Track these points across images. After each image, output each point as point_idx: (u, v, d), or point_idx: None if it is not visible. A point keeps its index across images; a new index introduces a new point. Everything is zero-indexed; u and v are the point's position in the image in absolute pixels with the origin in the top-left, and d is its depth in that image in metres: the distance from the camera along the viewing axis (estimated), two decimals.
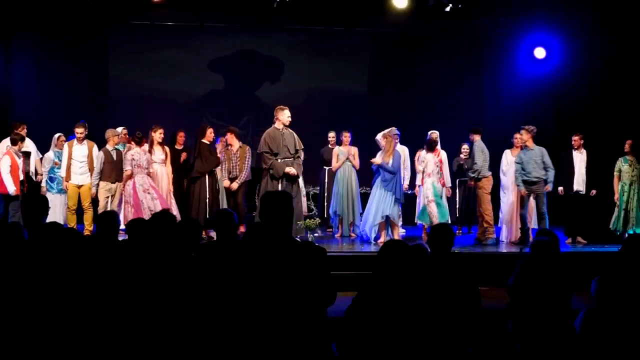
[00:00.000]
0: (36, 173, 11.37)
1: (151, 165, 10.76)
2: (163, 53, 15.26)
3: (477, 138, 11.51)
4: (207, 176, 11.04)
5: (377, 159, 10.59)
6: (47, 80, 14.45)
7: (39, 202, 6.56)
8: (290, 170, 10.21)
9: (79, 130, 11.01)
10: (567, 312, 5.05)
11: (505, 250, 10.39)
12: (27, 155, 11.07)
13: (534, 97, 14.81)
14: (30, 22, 14.24)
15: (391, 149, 10.61)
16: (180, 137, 11.59)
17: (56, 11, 14.13)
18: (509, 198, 11.22)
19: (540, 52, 14.62)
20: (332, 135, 12.49)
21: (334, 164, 11.67)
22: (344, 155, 11.64)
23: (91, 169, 10.98)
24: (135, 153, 10.72)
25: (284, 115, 10.35)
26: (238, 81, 15.54)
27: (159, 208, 10.52)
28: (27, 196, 10.40)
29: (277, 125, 10.36)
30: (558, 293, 5.06)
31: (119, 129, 11.56)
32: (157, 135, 10.84)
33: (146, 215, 10.36)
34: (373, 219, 10.56)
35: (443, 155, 11.59)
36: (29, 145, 11.19)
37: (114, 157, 11.17)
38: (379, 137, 10.93)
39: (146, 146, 10.91)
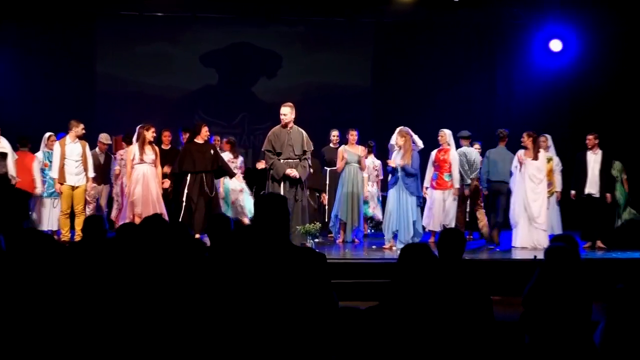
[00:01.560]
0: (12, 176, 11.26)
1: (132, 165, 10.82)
2: (152, 46, 15.28)
3: (465, 144, 11.87)
4: (190, 177, 10.87)
5: (399, 160, 10.51)
6: (29, 76, 14.45)
7: (18, 206, 6.54)
8: (292, 172, 10.17)
9: (83, 126, 11.00)
10: (585, 324, 5.03)
11: (519, 257, 10.35)
12: (2, 156, 10.99)
13: (550, 93, 14.82)
14: (12, 13, 14.23)
15: (410, 148, 10.58)
16: (166, 136, 11.56)
17: (39, 1, 14.12)
18: (516, 201, 11.19)
19: (556, 45, 14.61)
20: (335, 134, 12.39)
21: (339, 165, 11.60)
22: (353, 157, 11.55)
23: (86, 169, 10.96)
24: (124, 152, 11.42)
25: (281, 113, 10.36)
26: (232, 76, 15.55)
27: (126, 212, 10.63)
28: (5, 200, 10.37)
29: (282, 123, 10.38)
30: (576, 303, 5.04)
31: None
32: (150, 134, 10.78)
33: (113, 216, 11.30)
34: (404, 226, 10.56)
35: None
36: (5, 145, 11.10)
37: (101, 160, 11.96)
38: (395, 137, 10.83)
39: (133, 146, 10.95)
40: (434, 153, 11.72)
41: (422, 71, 15.57)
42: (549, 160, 11.51)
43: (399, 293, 4.26)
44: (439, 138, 11.68)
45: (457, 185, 11.53)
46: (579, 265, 5.25)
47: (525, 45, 15.17)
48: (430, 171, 11.72)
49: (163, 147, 11.39)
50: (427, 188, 11.58)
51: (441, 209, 11.49)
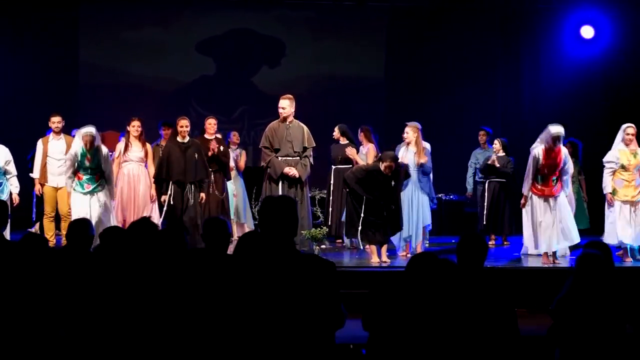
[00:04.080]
0: None
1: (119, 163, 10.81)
2: (142, 32, 15.27)
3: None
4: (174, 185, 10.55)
5: (418, 159, 10.46)
6: (6, 67, 14.42)
7: None
8: (290, 171, 10.18)
9: (56, 120, 10.94)
10: (621, 338, 5.04)
11: (549, 266, 10.33)
12: None
13: (581, 84, 14.78)
14: None
15: (422, 144, 10.58)
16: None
17: None
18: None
19: (587, 31, 14.60)
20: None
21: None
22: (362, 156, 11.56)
23: None
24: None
25: (278, 106, 10.39)
26: (231, 66, 15.55)
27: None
28: None
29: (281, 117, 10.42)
30: (610, 315, 5.05)
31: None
32: (133, 128, 10.81)
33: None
34: (414, 231, 10.53)
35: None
36: None
37: None
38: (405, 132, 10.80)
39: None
40: (540, 153, 10.28)
41: (441, 61, 15.53)
42: (635, 154, 10.65)
43: (408, 302, 4.29)
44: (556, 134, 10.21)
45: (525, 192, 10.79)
46: (613, 273, 5.27)
47: (553, 32, 15.15)
48: (530, 175, 10.33)
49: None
50: (528, 197, 10.38)
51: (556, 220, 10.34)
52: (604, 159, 10.74)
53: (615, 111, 14.33)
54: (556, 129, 10.16)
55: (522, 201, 10.37)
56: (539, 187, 10.24)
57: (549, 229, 10.08)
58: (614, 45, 14.44)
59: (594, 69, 14.80)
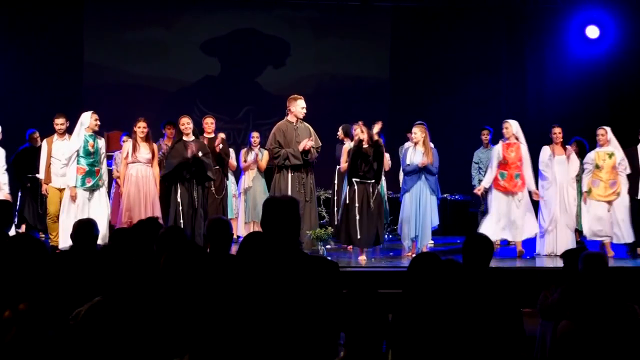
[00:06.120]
0: None
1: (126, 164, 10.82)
2: (146, 32, 15.29)
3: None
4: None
5: (424, 159, 10.47)
6: (10, 66, 14.45)
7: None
8: (306, 143, 10.25)
9: (59, 121, 10.89)
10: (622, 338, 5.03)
11: (551, 265, 10.35)
12: None
13: (586, 84, 14.76)
14: None
15: (429, 145, 10.59)
16: (207, 124, 11.46)
17: None
18: (549, 203, 11.06)
19: (592, 31, 14.58)
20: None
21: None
22: None
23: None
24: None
25: (297, 107, 10.39)
26: (235, 66, 15.55)
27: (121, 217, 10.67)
28: None
29: (290, 118, 10.44)
30: (613, 314, 5.05)
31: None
32: (139, 129, 10.78)
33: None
34: (421, 232, 10.55)
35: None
36: None
37: None
38: (414, 132, 10.81)
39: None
40: (499, 149, 11.05)
41: (445, 61, 15.54)
42: (611, 155, 11.00)
43: (410, 303, 4.29)
44: (504, 131, 11.04)
45: (532, 187, 11.12)
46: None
47: (558, 31, 15.14)
48: (493, 171, 10.99)
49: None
50: (485, 189, 11.08)
51: (510, 214, 10.99)
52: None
53: (619, 111, 14.32)
54: (510, 123, 11.04)
55: (479, 190, 11.17)
56: (501, 183, 10.92)
57: (498, 221, 10.84)
58: (619, 45, 14.42)
59: (599, 68, 14.78)
